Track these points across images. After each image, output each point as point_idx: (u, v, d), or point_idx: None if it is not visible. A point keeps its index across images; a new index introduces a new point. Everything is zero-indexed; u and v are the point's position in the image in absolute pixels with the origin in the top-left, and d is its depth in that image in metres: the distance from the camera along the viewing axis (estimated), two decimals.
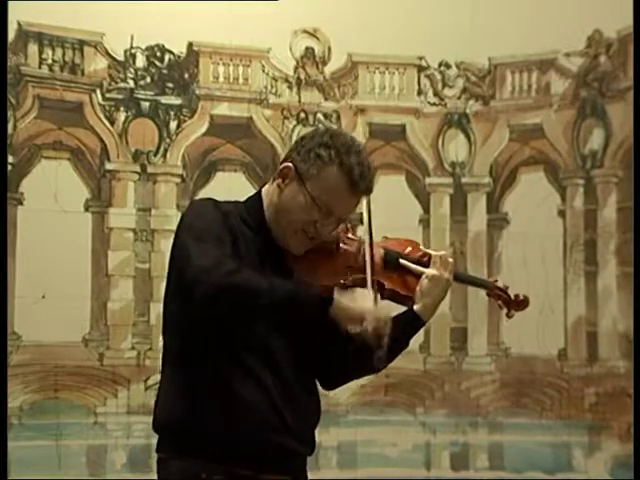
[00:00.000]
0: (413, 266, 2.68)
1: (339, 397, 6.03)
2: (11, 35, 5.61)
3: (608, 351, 6.16)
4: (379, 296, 2.50)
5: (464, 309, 6.23)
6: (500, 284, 2.93)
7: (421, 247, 2.77)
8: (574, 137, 6.27)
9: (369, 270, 2.53)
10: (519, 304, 2.91)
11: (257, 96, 6.11)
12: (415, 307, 2.67)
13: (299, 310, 2.43)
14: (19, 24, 5.65)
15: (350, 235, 2.68)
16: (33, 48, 5.74)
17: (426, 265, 2.69)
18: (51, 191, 5.68)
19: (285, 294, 2.41)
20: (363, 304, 2.43)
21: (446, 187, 6.36)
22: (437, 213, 6.34)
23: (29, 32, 5.71)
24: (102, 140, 5.91)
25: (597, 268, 6.23)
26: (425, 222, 6.32)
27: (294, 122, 6.17)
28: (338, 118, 6.24)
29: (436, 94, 6.34)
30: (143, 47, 5.93)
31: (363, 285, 2.57)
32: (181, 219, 2.58)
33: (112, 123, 5.92)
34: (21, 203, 5.70)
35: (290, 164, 2.55)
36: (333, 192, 2.53)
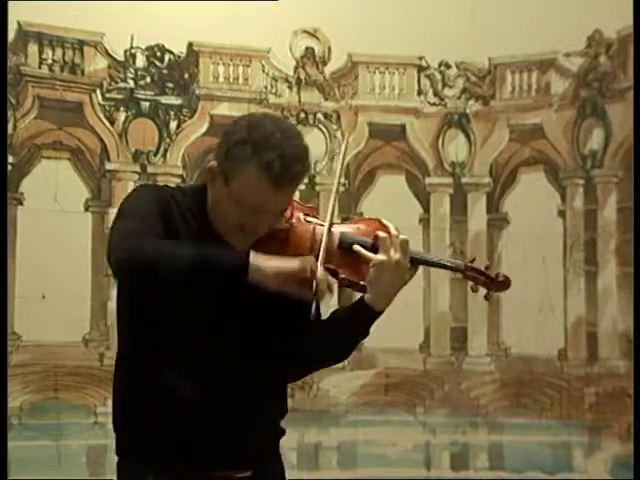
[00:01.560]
0: (364, 252, 2.48)
1: (339, 397, 6.04)
2: (11, 35, 5.61)
3: (608, 351, 6.16)
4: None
5: (464, 309, 6.23)
6: (477, 264, 2.63)
7: (385, 228, 2.54)
8: (574, 137, 6.27)
9: (322, 249, 2.38)
10: (499, 285, 2.66)
11: (257, 96, 6.11)
12: (366, 297, 2.53)
13: (214, 273, 2.29)
14: (19, 24, 5.65)
15: (308, 219, 2.51)
16: (33, 48, 5.74)
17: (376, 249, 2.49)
18: (51, 191, 5.68)
19: (197, 256, 2.28)
20: (282, 259, 2.31)
21: (446, 187, 6.36)
22: (437, 213, 6.34)
23: (29, 32, 5.71)
24: (102, 140, 5.91)
25: (597, 268, 6.23)
26: (425, 222, 6.32)
27: (294, 122, 6.17)
28: (338, 118, 6.24)
29: (436, 94, 6.33)
30: (143, 47, 5.93)
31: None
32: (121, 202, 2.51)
33: (112, 123, 5.91)
34: (21, 203, 5.70)
35: (214, 164, 2.44)
36: (256, 192, 2.38)
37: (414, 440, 6.11)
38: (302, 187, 6.20)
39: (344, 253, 2.48)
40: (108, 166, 5.92)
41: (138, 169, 5.95)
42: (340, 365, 6.45)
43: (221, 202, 2.44)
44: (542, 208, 6.25)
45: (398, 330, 5.98)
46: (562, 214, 6.31)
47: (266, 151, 2.37)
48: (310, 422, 5.92)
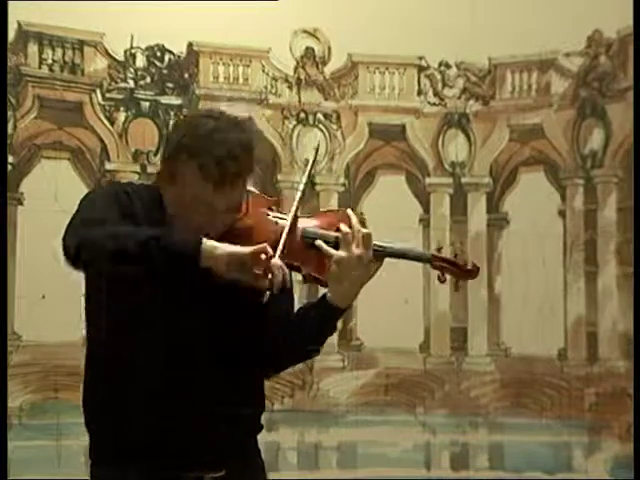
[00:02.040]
0: (325, 248, 2.39)
1: (339, 397, 6.04)
2: (11, 35, 5.61)
3: (608, 351, 6.16)
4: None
5: (464, 309, 6.23)
6: (444, 253, 2.50)
7: (348, 220, 2.45)
8: (574, 137, 6.27)
9: (282, 241, 2.33)
10: (468, 274, 2.50)
11: (257, 96, 6.11)
12: (328, 294, 2.43)
13: (165, 255, 2.23)
14: (19, 24, 5.65)
15: (271, 214, 2.46)
16: (33, 48, 5.74)
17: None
18: (51, 191, 5.67)
19: (149, 237, 2.24)
20: (234, 247, 2.24)
21: (446, 187, 6.36)
22: (437, 213, 6.34)
23: (29, 32, 5.71)
24: (102, 140, 5.91)
25: (597, 268, 6.23)
26: (425, 222, 6.32)
27: (294, 122, 6.17)
28: (338, 118, 6.24)
29: (436, 94, 6.33)
30: (143, 47, 5.93)
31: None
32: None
33: (112, 123, 5.91)
34: (21, 203, 5.70)
35: (163, 163, 2.41)
36: (197, 194, 2.33)
37: (414, 440, 6.11)
38: (302, 187, 6.21)
39: (308, 248, 2.41)
40: (108, 166, 5.92)
41: (138, 169, 5.95)
42: (340, 365, 6.49)
43: (174, 204, 2.40)
44: (542, 208, 6.25)
45: (398, 330, 5.99)
46: (562, 214, 6.31)
47: (200, 154, 2.31)
48: (310, 422, 5.92)
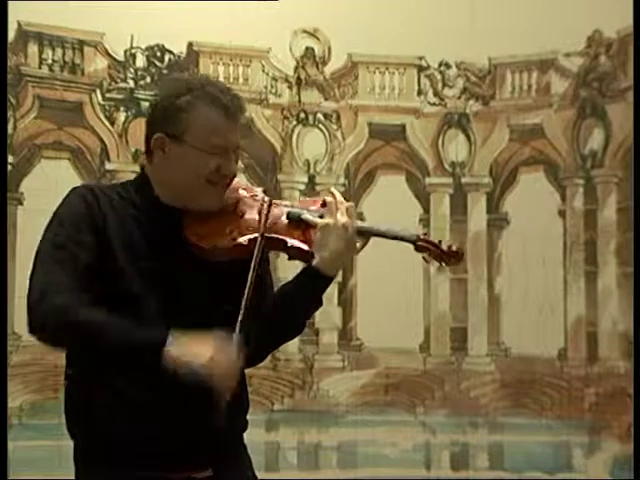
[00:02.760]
0: (312, 218, 2.49)
1: (339, 397, 6.04)
2: (11, 35, 5.61)
3: (608, 351, 6.16)
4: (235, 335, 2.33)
5: (464, 309, 6.23)
6: (429, 237, 2.59)
7: (335, 195, 2.57)
8: (574, 137, 6.27)
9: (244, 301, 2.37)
10: (453, 256, 2.56)
11: (257, 96, 6.10)
12: (314, 262, 2.45)
13: (128, 355, 2.31)
14: (19, 24, 5.66)
15: (256, 197, 2.53)
16: (33, 48, 5.74)
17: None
18: (51, 191, 5.67)
19: (114, 336, 2.30)
20: (198, 350, 2.26)
21: (446, 187, 6.36)
22: (437, 213, 6.34)
23: (29, 32, 5.71)
24: (102, 140, 5.91)
25: (597, 268, 6.23)
26: (425, 222, 6.32)
27: (294, 122, 6.17)
28: (338, 118, 6.24)
29: (436, 94, 6.33)
30: (143, 47, 5.93)
31: (273, 247, 2.46)
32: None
33: (112, 123, 5.92)
34: (21, 203, 5.70)
35: (159, 134, 2.42)
36: (216, 130, 2.41)
37: (414, 440, 6.11)
38: (302, 187, 6.22)
39: (291, 225, 2.49)
40: (108, 166, 5.92)
41: (138, 169, 5.93)
42: (340, 365, 6.49)
43: (183, 164, 2.42)
44: (542, 208, 6.25)
45: (398, 330, 6.00)
46: (562, 214, 6.31)
47: (207, 90, 2.44)
48: (310, 422, 5.92)
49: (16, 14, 5.48)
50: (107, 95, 5.90)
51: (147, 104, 5.97)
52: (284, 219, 2.50)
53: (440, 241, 2.57)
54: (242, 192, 2.53)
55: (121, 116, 5.93)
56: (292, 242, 2.47)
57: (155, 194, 2.48)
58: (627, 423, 5.89)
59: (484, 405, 6.21)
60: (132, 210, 2.45)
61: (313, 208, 2.55)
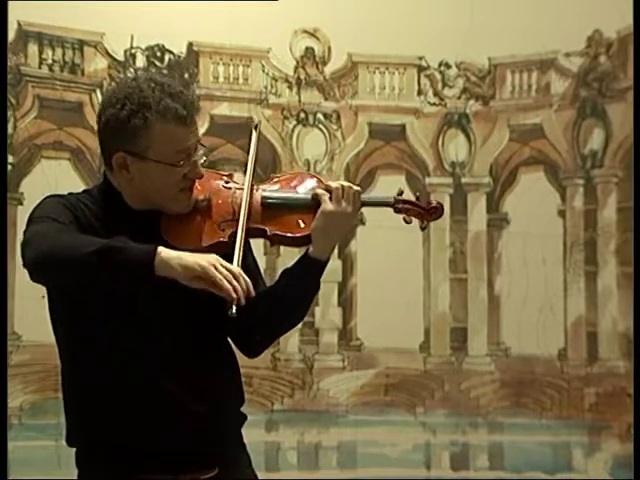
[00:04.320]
0: (324, 198, 2.44)
1: (339, 397, 6.04)
2: (11, 35, 5.60)
3: (608, 351, 6.16)
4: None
5: (464, 309, 6.23)
6: (406, 197, 2.54)
7: (317, 179, 2.55)
8: (574, 137, 6.27)
9: (238, 246, 2.32)
10: (433, 211, 2.53)
11: (257, 96, 6.11)
12: (311, 249, 2.46)
13: (119, 267, 2.20)
14: (19, 24, 5.65)
15: (228, 185, 2.52)
16: (33, 48, 5.74)
17: (317, 200, 2.46)
18: (51, 191, 5.63)
19: (102, 248, 2.20)
20: (200, 258, 2.21)
21: (446, 187, 6.36)
22: None
23: (29, 32, 5.71)
24: None
25: (597, 268, 6.23)
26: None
27: (294, 122, 6.17)
28: (338, 118, 6.24)
29: (436, 94, 6.33)
30: (143, 47, 5.92)
31: (250, 236, 2.42)
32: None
33: None
34: (21, 203, 5.69)
35: (120, 153, 2.39)
36: (176, 139, 2.38)
37: (414, 440, 6.11)
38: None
39: (268, 210, 2.45)
40: None
41: None
42: (340, 365, 6.48)
43: (150, 179, 2.40)
44: (542, 208, 6.25)
45: (398, 330, 5.99)
46: (562, 214, 6.31)
47: (163, 104, 2.36)
48: (310, 422, 5.92)
49: (16, 14, 5.47)
50: None
51: None
52: (259, 203, 2.45)
53: (418, 197, 2.53)
54: (213, 183, 2.50)
55: None
56: (273, 231, 2.43)
57: (124, 201, 2.45)
58: (627, 423, 5.89)
59: (484, 405, 6.21)
60: (103, 218, 2.42)
61: (287, 188, 2.50)
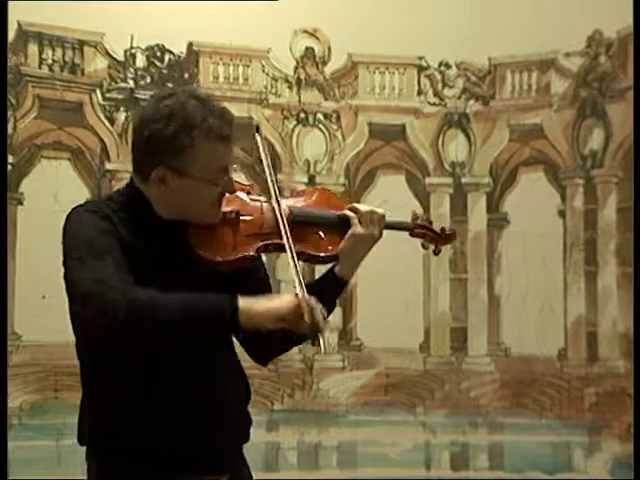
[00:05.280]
0: (356, 224, 2.53)
1: (339, 397, 6.04)
2: (11, 35, 5.61)
3: (608, 351, 6.16)
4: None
5: (464, 309, 6.23)
6: (421, 221, 2.67)
7: (336, 197, 2.63)
8: (574, 137, 6.27)
9: (285, 237, 2.38)
10: (446, 237, 2.67)
11: (257, 96, 6.11)
12: (337, 269, 2.55)
13: (199, 320, 2.24)
14: (19, 24, 5.65)
15: (253, 197, 2.54)
16: (33, 48, 5.73)
17: (345, 221, 2.55)
18: (51, 191, 5.67)
19: (183, 309, 2.22)
20: (280, 301, 2.25)
21: (446, 187, 6.36)
22: (437, 213, 6.33)
23: (29, 32, 5.71)
24: (102, 140, 5.91)
25: (597, 268, 6.23)
26: None
27: (294, 122, 6.17)
28: (338, 118, 6.24)
29: (436, 94, 6.33)
30: (143, 47, 5.93)
31: (277, 251, 2.46)
32: (62, 234, 2.50)
33: (112, 123, 5.91)
34: (21, 203, 5.70)
35: (162, 169, 2.42)
36: (216, 158, 2.42)
37: (414, 440, 6.11)
38: (302, 187, 6.22)
39: (297, 227, 2.48)
40: (108, 166, 5.91)
41: None
42: (340, 365, 6.47)
43: (187, 196, 2.42)
44: (542, 208, 6.25)
45: (398, 330, 6.00)
46: (562, 214, 6.31)
47: (208, 124, 2.39)
48: (310, 422, 5.92)
49: (16, 14, 5.47)
50: (107, 95, 5.90)
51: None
52: (288, 220, 2.48)
53: (431, 222, 2.64)
54: (239, 195, 2.52)
55: (121, 116, 5.93)
56: (302, 249, 2.47)
57: (153, 210, 2.47)
58: (627, 423, 5.89)
59: (484, 405, 6.21)
60: (132, 226, 2.43)
61: (313, 205, 2.55)
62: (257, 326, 2.25)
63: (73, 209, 2.49)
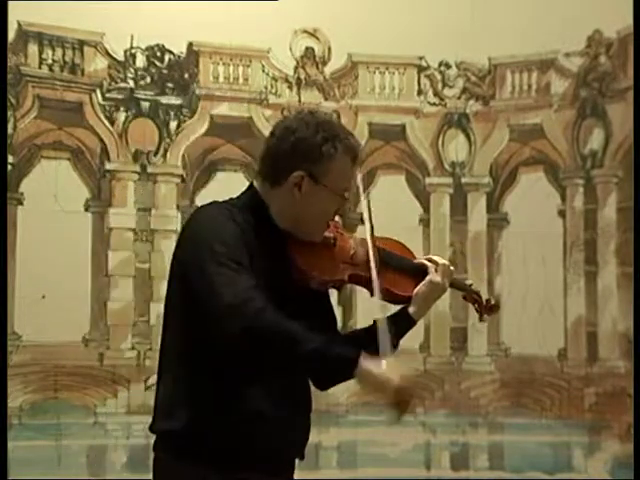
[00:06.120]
0: (434, 273, 2.74)
1: (339, 397, 6.04)
2: (11, 35, 5.61)
3: (608, 351, 6.16)
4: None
5: (464, 309, 6.22)
6: (475, 289, 2.91)
7: (408, 248, 2.83)
8: (574, 137, 6.27)
9: (374, 276, 2.57)
10: (491, 309, 2.88)
11: (257, 96, 6.11)
12: (411, 310, 2.72)
13: (323, 366, 2.45)
14: (19, 24, 5.66)
15: (341, 230, 2.71)
16: (33, 48, 5.74)
17: (423, 270, 2.75)
18: (51, 191, 5.68)
19: (314, 349, 2.40)
20: (390, 374, 2.44)
21: (446, 187, 6.36)
22: (437, 213, 6.34)
23: (29, 32, 5.71)
24: (102, 140, 5.91)
25: (597, 268, 6.23)
26: (425, 222, 6.32)
27: None
28: (338, 118, 6.24)
29: (436, 94, 6.34)
30: (143, 47, 5.93)
31: (361, 283, 2.63)
32: (191, 231, 2.53)
33: (112, 123, 5.92)
34: (21, 203, 5.70)
35: (301, 172, 2.54)
36: (345, 174, 2.59)
37: (414, 440, 6.11)
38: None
39: (383, 267, 2.67)
40: (108, 166, 5.92)
41: (138, 169, 5.95)
42: None
43: (316, 204, 2.57)
44: (542, 208, 6.25)
45: None
46: (562, 214, 6.31)
47: (349, 142, 2.59)
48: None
49: (16, 14, 5.48)
50: (107, 95, 5.90)
51: (147, 104, 5.98)
52: (378, 259, 2.65)
53: (478, 293, 2.87)
54: (337, 226, 2.71)
55: (121, 116, 5.93)
56: (386, 286, 2.65)
57: (270, 216, 2.59)
58: (627, 423, 5.89)
59: (484, 405, 6.21)
60: (250, 230, 2.54)
61: (401, 254, 2.77)
62: (362, 383, 2.48)
63: (203, 207, 2.59)
